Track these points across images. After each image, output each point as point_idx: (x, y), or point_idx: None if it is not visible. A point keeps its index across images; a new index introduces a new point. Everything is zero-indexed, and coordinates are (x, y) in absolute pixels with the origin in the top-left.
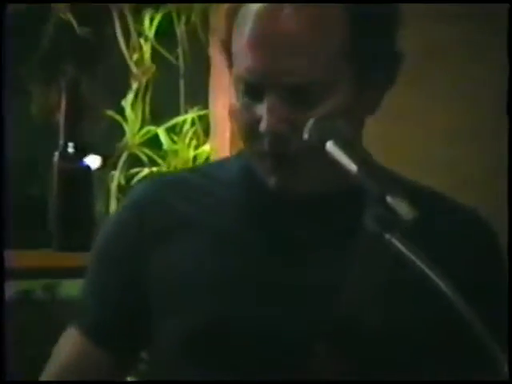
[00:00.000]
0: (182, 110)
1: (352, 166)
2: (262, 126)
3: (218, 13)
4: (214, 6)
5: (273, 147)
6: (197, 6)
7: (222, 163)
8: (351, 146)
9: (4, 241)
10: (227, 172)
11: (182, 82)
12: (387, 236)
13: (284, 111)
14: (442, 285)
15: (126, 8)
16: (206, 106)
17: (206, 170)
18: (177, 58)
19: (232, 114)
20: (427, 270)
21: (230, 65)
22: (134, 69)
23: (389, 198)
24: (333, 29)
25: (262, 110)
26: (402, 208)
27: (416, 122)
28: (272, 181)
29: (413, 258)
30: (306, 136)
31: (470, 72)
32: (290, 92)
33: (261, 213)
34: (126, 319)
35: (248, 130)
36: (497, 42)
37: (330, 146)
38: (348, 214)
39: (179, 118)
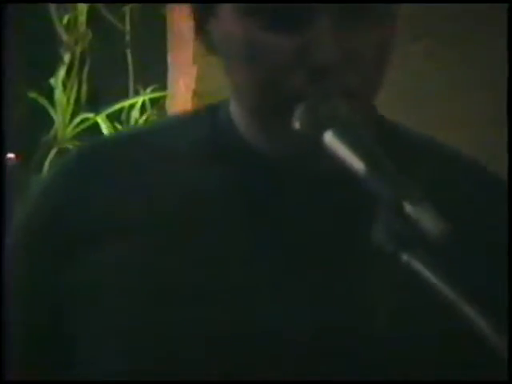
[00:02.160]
0: (130, 91)
1: (358, 165)
2: (319, 56)
3: None
4: None
5: (327, 96)
6: None
7: (192, 118)
8: (357, 136)
9: None
10: (202, 130)
11: (129, 54)
12: (405, 257)
13: (346, 35)
14: (466, 309)
15: None
16: (163, 86)
17: (163, 131)
18: (122, 21)
19: (248, 51)
20: (450, 296)
21: None
22: (63, 36)
23: (408, 207)
24: None
25: (309, 37)
26: (427, 220)
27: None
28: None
29: (435, 281)
30: (296, 125)
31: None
32: (349, 8)
33: (256, 193)
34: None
35: (280, 67)
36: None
37: (329, 137)
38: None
39: (126, 102)
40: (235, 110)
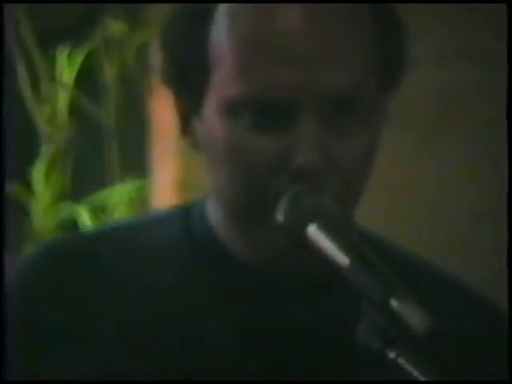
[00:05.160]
0: (112, 181)
1: (343, 259)
2: (300, 161)
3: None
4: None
5: (311, 190)
6: (134, 40)
7: (160, 219)
8: (342, 230)
9: None
10: (171, 232)
11: (112, 145)
12: (391, 355)
13: (329, 139)
14: None
15: (32, 42)
16: (146, 176)
17: (132, 230)
18: (105, 112)
19: (230, 152)
20: None
21: (199, 92)
22: (44, 128)
23: (394, 303)
24: (363, 30)
25: (291, 140)
26: (413, 316)
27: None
28: (272, 249)
29: (422, 378)
30: (279, 218)
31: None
32: (333, 111)
33: (234, 299)
34: None
35: (262, 170)
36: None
37: (312, 230)
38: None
39: (108, 193)
40: (213, 211)
